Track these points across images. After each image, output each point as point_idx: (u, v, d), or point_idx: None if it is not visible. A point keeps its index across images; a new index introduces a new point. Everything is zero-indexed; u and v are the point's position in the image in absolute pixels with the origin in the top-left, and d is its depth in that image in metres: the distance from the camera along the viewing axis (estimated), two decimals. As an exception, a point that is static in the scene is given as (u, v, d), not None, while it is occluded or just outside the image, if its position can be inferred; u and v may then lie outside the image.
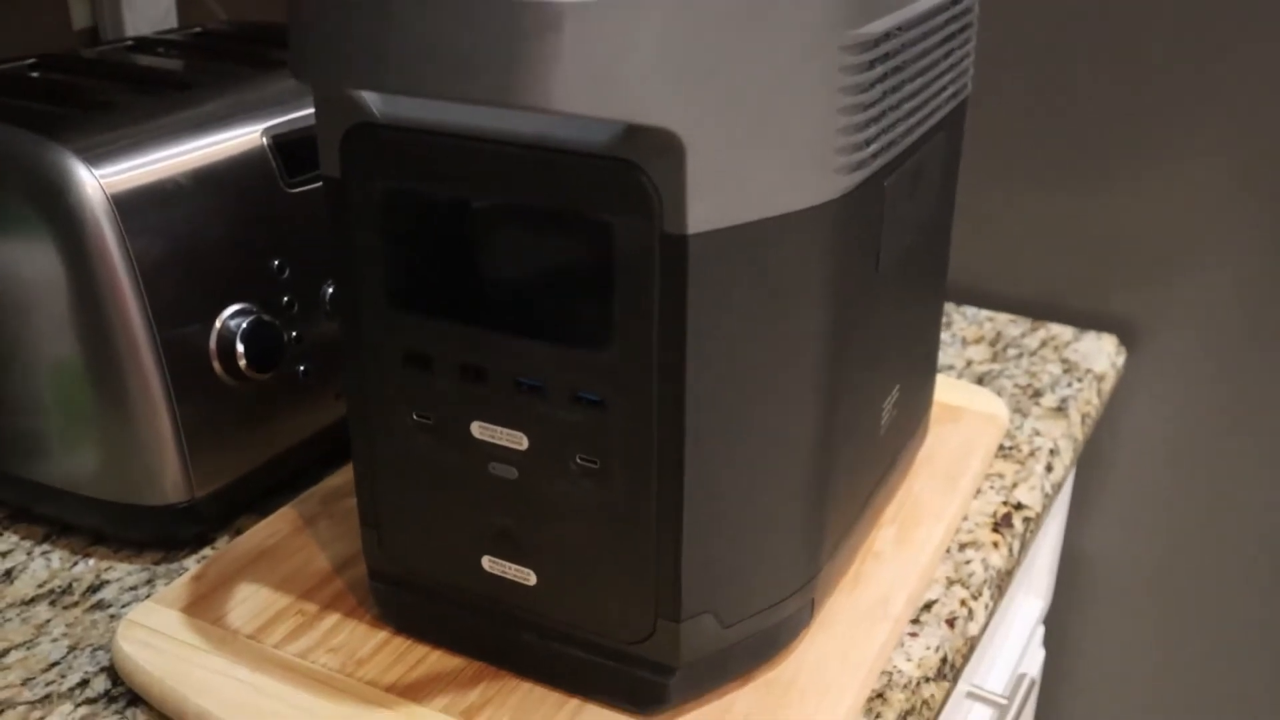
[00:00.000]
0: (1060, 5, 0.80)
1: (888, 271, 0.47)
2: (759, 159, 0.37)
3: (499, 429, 0.42)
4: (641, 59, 0.33)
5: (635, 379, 0.39)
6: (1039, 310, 0.88)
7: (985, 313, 0.87)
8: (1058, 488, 0.68)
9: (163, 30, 0.75)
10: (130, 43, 0.70)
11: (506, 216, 0.39)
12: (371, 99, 0.39)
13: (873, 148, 0.41)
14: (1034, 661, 0.89)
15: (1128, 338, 0.86)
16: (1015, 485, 0.65)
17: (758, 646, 0.46)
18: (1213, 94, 0.78)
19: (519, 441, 0.42)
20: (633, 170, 0.36)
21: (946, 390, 0.70)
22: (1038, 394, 0.75)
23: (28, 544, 0.58)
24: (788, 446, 0.43)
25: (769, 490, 0.43)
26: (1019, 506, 0.63)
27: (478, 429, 0.43)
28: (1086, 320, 0.87)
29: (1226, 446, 0.85)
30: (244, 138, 0.57)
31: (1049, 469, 0.67)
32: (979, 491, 0.64)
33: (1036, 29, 0.81)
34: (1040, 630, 0.91)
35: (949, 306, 0.88)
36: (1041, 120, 0.83)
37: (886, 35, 0.40)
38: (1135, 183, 0.82)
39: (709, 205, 0.36)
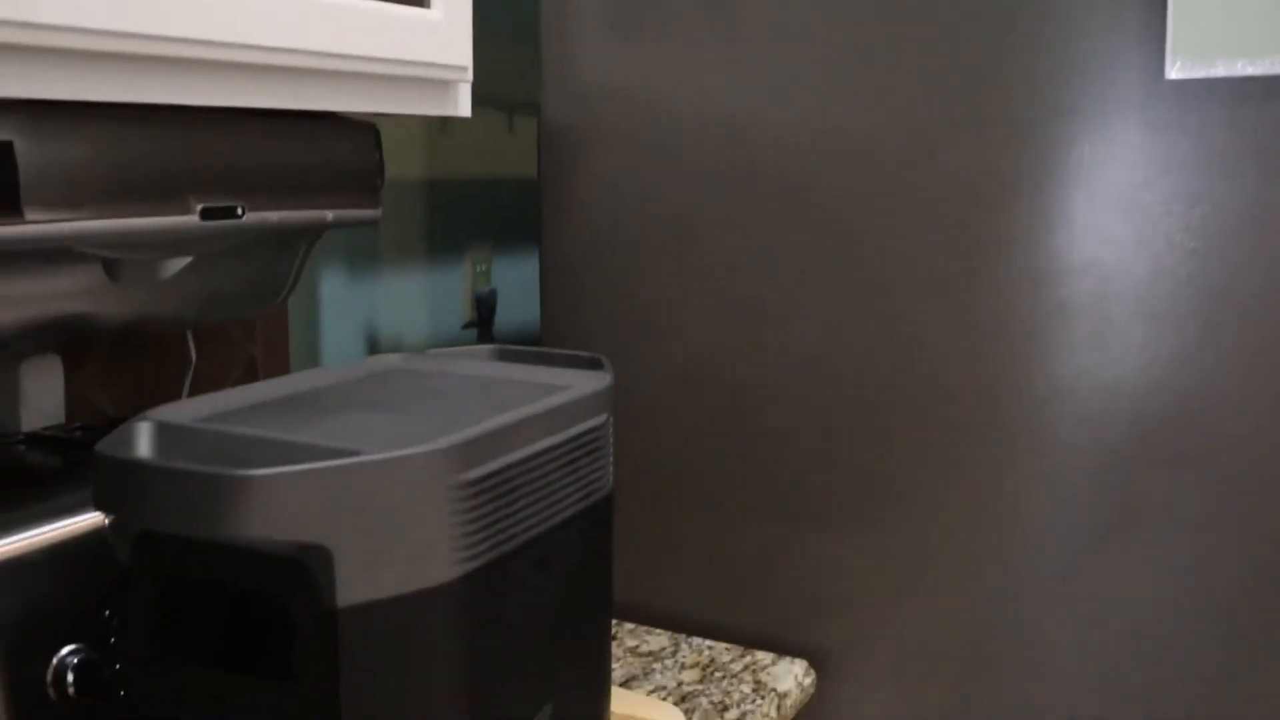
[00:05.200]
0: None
1: (524, 624, 0.69)
2: (389, 558, 0.59)
3: (229, 737, 0.62)
4: (300, 504, 0.56)
5: (312, 704, 0.59)
6: (753, 640, 1.09)
7: (708, 643, 1.08)
8: (723, 785, 0.87)
9: (52, 425, 0.98)
10: (21, 438, 0.93)
11: (232, 594, 0.60)
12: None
13: (484, 546, 0.64)
14: None
15: (822, 661, 1.07)
16: (681, 782, 0.84)
17: None
18: (905, 453, 1.03)
19: (242, 745, 0.62)
20: (301, 569, 0.58)
21: (639, 707, 0.90)
22: (725, 709, 0.95)
23: (-111, 835, 0.74)
24: (429, 747, 0.63)
25: (415, 779, 0.63)
26: (679, 799, 0.82)
27: (216, 737, 0.62)
28: (789, 648, 1.08)
29: (901, 752, 1.05)
30: (88, 521, 0.78)
31: (713, 768, 0.87)
32: (649, 787, 0.83)
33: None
34: None
35: (680, 637, 1.09)
36: (750, 481, 1.08)
37: (488, 476, 0.64)
38: (829, 535, 1.05)
39: (352, 589, 0.58)
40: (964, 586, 1.01)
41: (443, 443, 0.61)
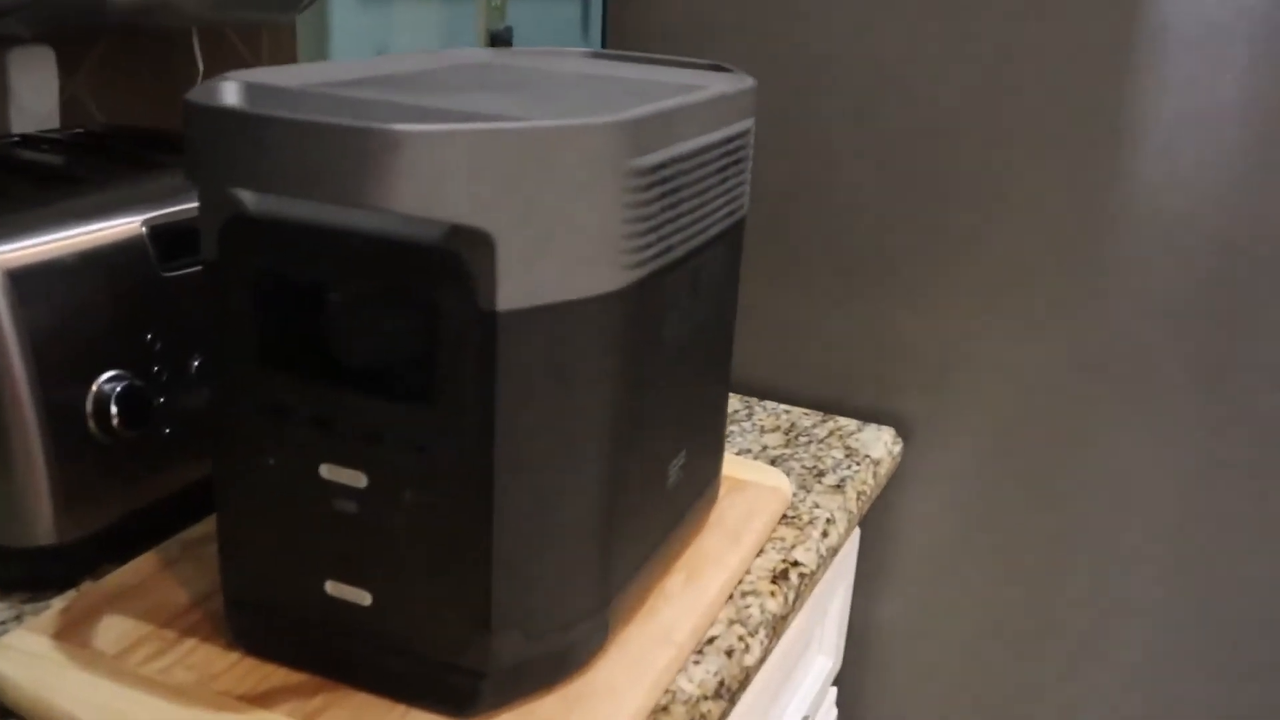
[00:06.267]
0: (845, 134, 0.94)
1: (671, 354, 0.58)
2: (556, 254, 0.47)
3: (343, 469, 0.51)
4: (462, 174, 0.44)
5: (454, 430, 0.48)
6: (830, 406, 1.00)
7: (784, 407, 0.99)
8: (833, 551, 0.79)
9: (46, 129, 0.83)
10: (16, 139, 0.78)
11: (354, 294, 0.48)
12: (246, 196, 0.49)
13: (652, 250, 0.52)
14: (823, 713, 0.99)
15: (904, 430, 0.99)
16: (794, 546, 0.76)
17: (558, 661, 0.55)
18: (988, 209, 0.92)
19: (359, 480, 0.51)
20: (455, 259, 0.46)
21: (738, 468, 0.81)
22: (821, 474, 0.87)
23: (-99, 585, 0.63)
24: (580, 491, 0.53)
25: (564, 525, 0.53)
26: (796, 564, 0.74)
27: (325, 470, 0.51)
28: (870, 415, 0.99)
29: (995, 523, 0.98)
30: (125, 226, 0.65)
31: (825, 534, 0.78)
32: (762, 551, 0.75)
33: (824, 149, 0.95)
34: (833, 691, 1.01)
35: (752, 400, 1.00)
36: (834, 242, 0.97)
37: (660, 165, 0.52)
38: (912, 297, 0.95)
39: (515, 289, 0.46)
40: (1050, 343, 0.93)
41: (618, 117, 0.48)
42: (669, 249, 0.55)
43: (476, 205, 0.44)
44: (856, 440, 0.93)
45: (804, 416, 0.97)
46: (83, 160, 0.74)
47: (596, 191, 0.48)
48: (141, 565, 0.64)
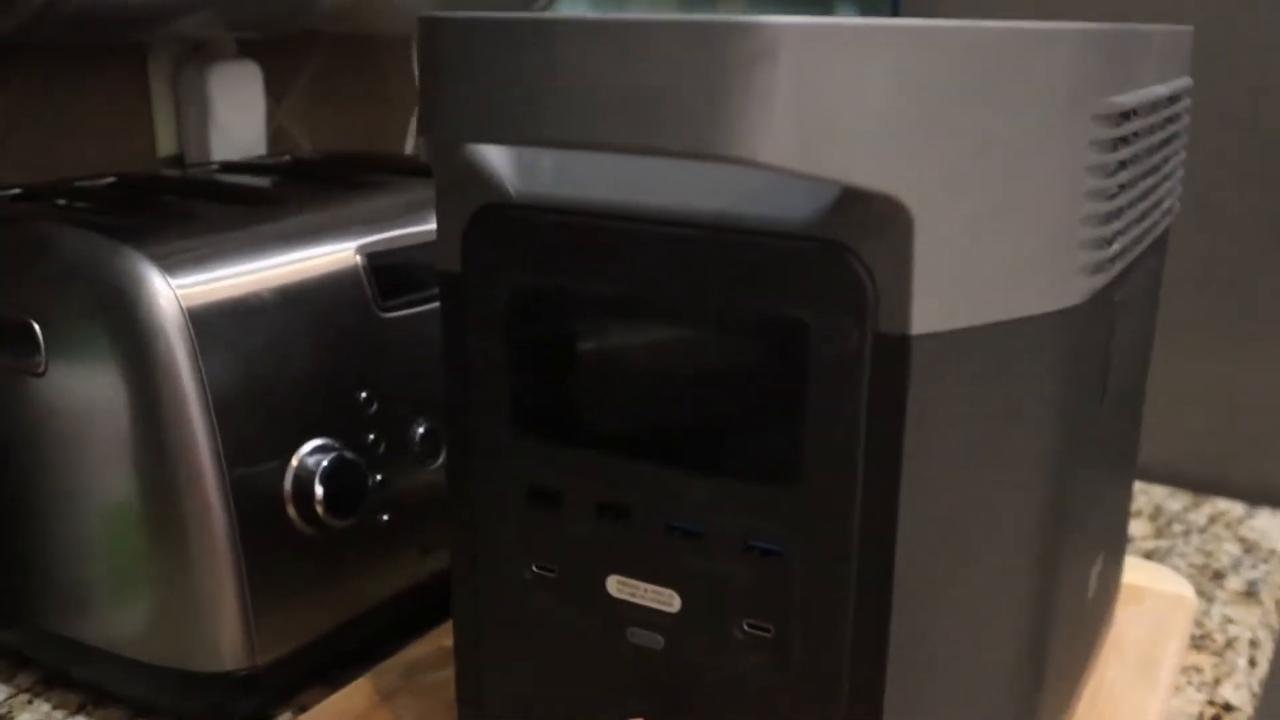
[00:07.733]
0: (1239, 163, 0.73)
1: (1106, 410, 0.39)
2: (998, 247, 0.29)
3: (643, 585, 0.34)
4: (869, 106, 0.26)
5: (829, 521, 0.30)
6: (1202, 484, 0.78)
7: (1139, 484, 0.78)
8: (1263, 685, 0.57)
9: (251, 157, 0.70)
10: (217, 166, 0.66)
11: (669, 316, 0.31)
12: (506, 173, 0.32)
13: (1113, 248, 0.34)
14: None
15: (1304, 515, 0.76)
16: (1218, 682, 0.54)
17: None
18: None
19: (669, 601, 0.33)
20: (842, 253, 0.28)
21: (1133, 571, 0.60)
22: (1219, 576, 0.65)
23: (60, 714, 0.49)
24: (1006, 609, 0.34)
25: (984, 665, 0.34)
26: (1228, 707, 0.53)
27: (615, 585, 0.34)
28: (1256, 494, 0.77)
29: None
30: (336, 255, 0.50)
31: (1253, 663, 0.57)
32: (1177, 688, 0.54)
33: (1211, 182, 0.74)
34: None
35: (1097, 475, 0.79)
36: (1205, 269, 0.75)
37: (1132, 112, 0.33)
38: (1312, 339, 0.73)
39: (938, 300, 0.28)
40: None
41: (1091, 27, 0.30)
42: (1124, 250, 0.36)
43: (888, 159, 0.27)
44: (1251, 529, 0.71)
45: (1169, 498, 0.76)
46: (289, 183, 0.61)
47: (1057, 142, 0.30)
48: (352, 697, 0.48)
